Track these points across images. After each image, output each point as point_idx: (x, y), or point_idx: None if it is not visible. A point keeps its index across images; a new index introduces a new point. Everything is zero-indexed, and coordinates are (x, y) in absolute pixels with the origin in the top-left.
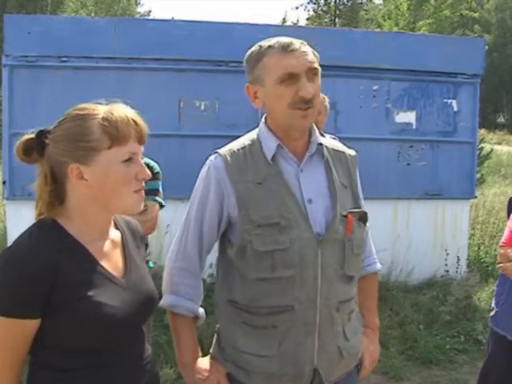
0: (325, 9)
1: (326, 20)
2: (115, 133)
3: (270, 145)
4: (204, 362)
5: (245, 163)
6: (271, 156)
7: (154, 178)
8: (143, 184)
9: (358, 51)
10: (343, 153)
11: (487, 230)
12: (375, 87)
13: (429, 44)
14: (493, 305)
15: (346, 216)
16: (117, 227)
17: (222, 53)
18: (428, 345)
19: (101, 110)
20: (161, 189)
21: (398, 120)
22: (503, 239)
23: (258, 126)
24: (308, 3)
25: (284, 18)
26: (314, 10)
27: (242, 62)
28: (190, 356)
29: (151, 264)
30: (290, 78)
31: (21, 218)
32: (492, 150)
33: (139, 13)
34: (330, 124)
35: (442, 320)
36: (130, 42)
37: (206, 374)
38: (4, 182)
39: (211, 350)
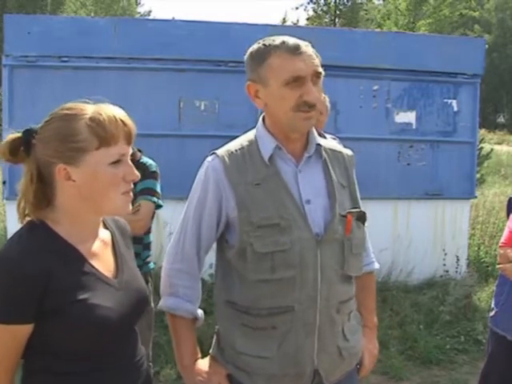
0: (325, 9)
1: (326, 20)
2: (103, 133)
3: (268, 145)
4: (204, 364)
5: (243, 164)
6: (268, 157)
7: (151, 177)
8: (131, 185)
9: (358, 51)
10: (340, 152)
11: (487, 230)
12: (375, 87)
13: (429, 44)
14: (492, 305)
15: (344, 216)
16: (106, 227)
17: (222, 53)
18: (428, 345)
19: (88, 109)
20: (158, 189)
21: (397, 120)
22: (503, 239)
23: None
24: (308, 3)
25: (284, 18)
26: (313, 10)
27: (241, 62)
28: (189, 358)
29: (152, 265)
30: (296, 80)
31: None
32: (492, 149)
33: (139, 13)
34: (330, 124)
35: (442, 320)
36: (130, 42)
37: (207, 375)
38: (4, 182)
39: (211, 351)
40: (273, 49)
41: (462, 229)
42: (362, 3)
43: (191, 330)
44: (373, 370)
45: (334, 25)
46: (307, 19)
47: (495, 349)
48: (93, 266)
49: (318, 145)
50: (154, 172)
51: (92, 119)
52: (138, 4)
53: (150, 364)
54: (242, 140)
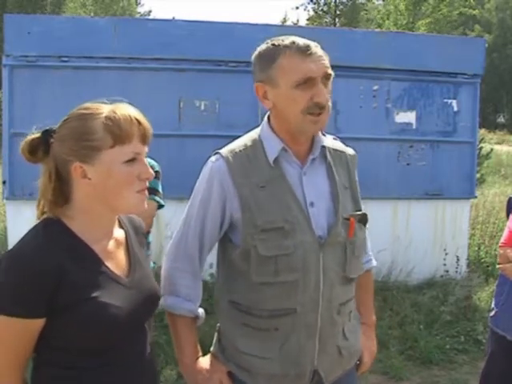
0: (325, 9)
1: (326, 20)
2: (118, 132)
3: (273, 147)
4: (205, 362)
5: (248, 165)
6: (273, 158)
7: (154, 177)
8: (146, 184)
9: (358, 51)
10: (343, 152)
11: (487, 230)
12: (375, 87)
13: (429, 44)
14: (493, 305)
15: (347, 219)
16: (121, 226)
17: (222, 53)
18: (428, 345)
19: (104, 109)
20: (160, 188)
21: (397, 120)
22: (502, 239)
23: (257, 126)
24: (308, 3)
25: (284, 18)
26: (314, 10)
27: (242, 62)
28: (190, 356)
29: (152, 264)
30: (306, 82)
31: (21, 218)
32: (492, 149)
33: (139, 13)
34: (330, 124)
35: (442, 320)
36: (130, 42)
37: (208, 373)
38: (4, 182)
39: (212, 348)
40: (283, 49)
41: (462, 229)
42: (362, 3)
43: (192, 329)
44: (373, 369)
45: (334, 25)
46: (307, 19)
47: (495, 349)
48: (105, 265)
49: (323, 147)
50: (157, 172)
51: (107, 118)
52: (137, 4)
53: None
54: (246, 140)
